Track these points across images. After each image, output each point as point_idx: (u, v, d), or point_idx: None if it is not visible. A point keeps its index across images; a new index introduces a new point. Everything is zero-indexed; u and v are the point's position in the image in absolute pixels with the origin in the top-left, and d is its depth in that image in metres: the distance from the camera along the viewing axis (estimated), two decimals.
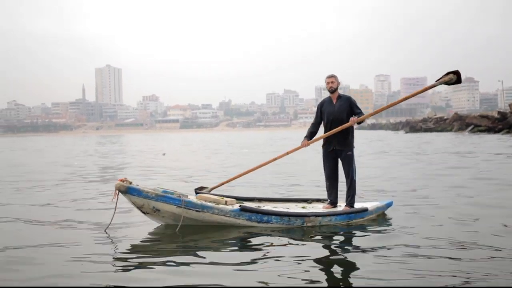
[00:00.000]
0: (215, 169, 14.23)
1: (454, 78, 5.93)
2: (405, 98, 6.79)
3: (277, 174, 11.59)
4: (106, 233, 5.42)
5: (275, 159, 6.93)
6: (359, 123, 6.46)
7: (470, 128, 41.01)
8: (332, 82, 6.47)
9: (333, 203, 6.63)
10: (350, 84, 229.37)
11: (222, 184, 6.88)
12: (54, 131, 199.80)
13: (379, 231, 5.64)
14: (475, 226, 5.68)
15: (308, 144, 6.63)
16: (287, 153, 6.87)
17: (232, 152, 25.32)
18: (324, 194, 7.55)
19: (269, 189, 9.13)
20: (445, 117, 56.21)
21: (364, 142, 31.67)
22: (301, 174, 11.94)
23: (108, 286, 3.64)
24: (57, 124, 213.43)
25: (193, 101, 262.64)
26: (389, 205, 6.82)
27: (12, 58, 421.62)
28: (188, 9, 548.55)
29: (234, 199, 6.01)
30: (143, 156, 23.30)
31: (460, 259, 4.30)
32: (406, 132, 56.09)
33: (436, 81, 6.11)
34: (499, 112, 41.17)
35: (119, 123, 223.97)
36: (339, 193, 6.67)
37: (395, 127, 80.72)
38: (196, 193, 6.18)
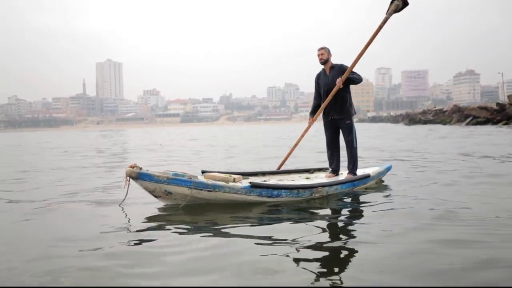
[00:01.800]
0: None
1: (399, 3, 6.04)
2: (368, 43, 6.44)
3: (276, 147, 11.84)
4: (120, 207, 5.57)
5: (292, 149, 7.26)
6: (347, 82, 6.49)
7: (468, 119, 40.96)
8: (322, 54, 6.64)
9: (335, 171, 6.86)
10: None
11: (285, 159, 7.23)
12: (55, 126, 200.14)
13: (381, 196, 5.94)
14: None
15: (313, 122, 6.95)
16: (301, 137, 7.14)
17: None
18: (324, 163, 7.85)
19: (272, 161, 9.39)
20: (444, 109, 56.09)
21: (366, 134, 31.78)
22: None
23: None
24: (58, 119, 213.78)
25: (194, 95, 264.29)
26: (388, 169, 7.33)
27: (12, 53, 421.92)
28: (189, 3, 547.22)
29: (240, 175, 6.10)
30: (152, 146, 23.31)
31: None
32: (406, 124, 56.10)
33: (386, 14, 6.17)
34: (497, 104, 41.11)
35: (120, 117, 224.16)
36: (340, 161, 6.93)
37: (395, 119, 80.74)
38: (202, 172, 6.22)
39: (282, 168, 7.25)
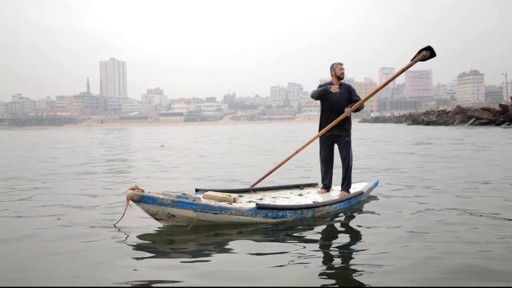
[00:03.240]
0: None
1: (427, 54, 5.99)
2: (385, 84, 6.75)
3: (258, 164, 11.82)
4: (116, 227, 5.29)
5: (280, 164, 7.26)
6: (354, 111, 6.74)
7: (471, 121, 41.00)
8: (343, 69, 6.72)
9: (327, 187, 6.85)
10: (354, 77, 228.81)
11: (261, 179, 7.17)
12: (59, 124, 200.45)
13: (373, 210, 6.14)
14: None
15: (322, 132, 6.73)
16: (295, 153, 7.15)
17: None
18: (310, 178, 7.98)
19: (253, 177, 9.19)
20: (447, 110, 56.05)
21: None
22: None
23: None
24: (61, 118, 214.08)
25: (198, 94, 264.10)
26: (376, 184, 7.37)
27: (16, 52, 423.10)
28: (193, 3, 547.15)
29: (237, 194, 6.06)
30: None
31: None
32: (409, 125, 56.18)
33: (411, 60, 6.11)
34: (500, 105, 41.09)
35: (124, 116, 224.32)
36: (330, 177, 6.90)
37: (398, 119, 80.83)
38: (196, 191, 6.16)
39: (263, 183, 7.24)
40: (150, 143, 27.27)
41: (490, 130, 30.85)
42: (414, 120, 57.60)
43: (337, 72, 6.69)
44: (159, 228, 5.24)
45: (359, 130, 43.18)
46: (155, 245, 4.64)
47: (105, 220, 5.61)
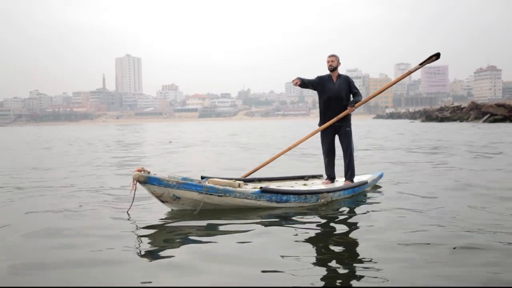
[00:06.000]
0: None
1: (434, 58, 6.55)
2: (387, 86, 7.14)
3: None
4: (128, 214, 5.37)
5: (283, 152, 7.34)
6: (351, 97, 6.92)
7: (486, 117, 40.60)
8: (332, 61, 6.80)
9: (332, 178, 7.00)
10: (369, 73, 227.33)
11: (256, 170, 7.23)
12: (75, 120, 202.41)
13: (377, 200, 6.29)
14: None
15: (323, 127, 6.86)
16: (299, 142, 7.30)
17: None
18: (315, 170, 8.09)
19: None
20: (462, 106, 55.53)
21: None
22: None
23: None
24: (78, 113, 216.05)
25: (212, 90, 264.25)
26: (380, 176, 7.54)
27: (34, 48, 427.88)
28: (207, 0, 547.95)
29: (241, 181, 6.10)
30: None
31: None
32: (422, 121, 55.76)
33: (419, 64, 6.64)
34: None
35: (139, 112, 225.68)
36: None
37: (413, 116, 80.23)
38: (202, 178, 6.13)
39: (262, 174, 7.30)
40: (161, 139, 27.51)
41: (502, 126, 30.59)
42: (428, 116, 57.16)
43: (327, 65, 6.85)
44: (166, 215, 5.33)
45: (357, 126, 42.66)
46: (162, 234, 4.66)
47: (115, 208, 5.74)
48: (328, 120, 6.80)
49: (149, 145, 21.38)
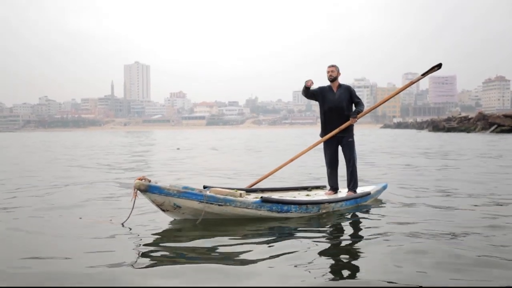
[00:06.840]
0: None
1: (436, 68, 6.70)
2: (393, 95, 7.31)
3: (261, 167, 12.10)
4: (124, 226, 5.28)
5: (285, 163, 7.25)
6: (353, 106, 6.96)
7: (493, 127, 40.58)
8: (332, 71, 6.75)
9: (335, 189, 6.93)
10: (377, 82, 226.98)
11: (259, 181, 7.15)
12: (83, 126, 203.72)
13: (381, 211, 6.23)
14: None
15: (326, 138, 6.81)
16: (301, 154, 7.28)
17: None
18: (318, 181, 8.10)
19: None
20: (469, 116, 55.46)
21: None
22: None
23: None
24: (86, 120, 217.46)
25: (220, 98, 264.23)
26: (384, 187, 7.37)
27: (43, 54, 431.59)
28: (215, 9, 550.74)
29: (243, 191, 6.00)
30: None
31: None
32: (429, 131, 55.78)
33: (421, 74, 6.80)
34: None
35: (147, 119, 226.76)
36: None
37: (420, 125, 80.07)
38: (204, 187, 6.10)
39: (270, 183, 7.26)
40: (169, 147, 27.79)
41: (509, 137, 30.60)
42: (435, 126, 57.14)
43: (327, 75, 6.81)
44: (167, 224, 5.35)
45: (361, 135, 42.58)
46: (163, 240, 4.72)
47: (114, 217, 5.71)
48: (330, 131, 6.75)
49: (165, 152, 21.54)
